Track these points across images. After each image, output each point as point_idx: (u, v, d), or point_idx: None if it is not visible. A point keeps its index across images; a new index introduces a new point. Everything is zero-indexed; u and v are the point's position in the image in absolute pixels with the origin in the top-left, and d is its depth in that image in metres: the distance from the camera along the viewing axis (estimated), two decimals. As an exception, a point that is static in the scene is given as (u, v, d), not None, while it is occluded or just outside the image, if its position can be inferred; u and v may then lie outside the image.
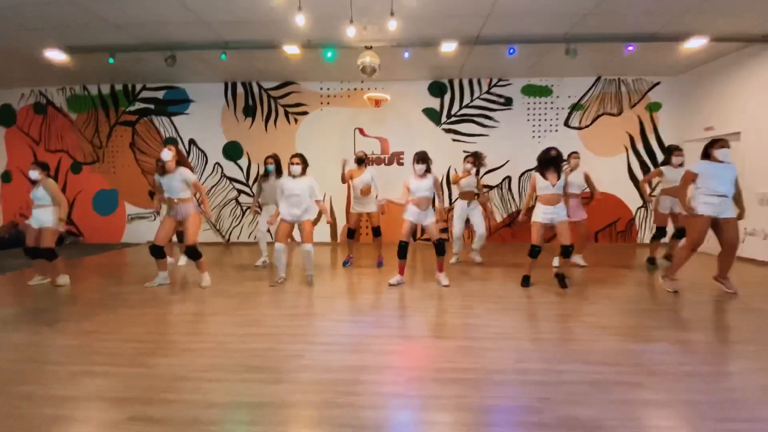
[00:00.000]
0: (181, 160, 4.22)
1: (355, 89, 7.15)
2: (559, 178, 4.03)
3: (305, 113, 7.22)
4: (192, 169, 4.34)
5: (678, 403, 1.96)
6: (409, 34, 5.08)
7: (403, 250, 4.20)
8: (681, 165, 5.00)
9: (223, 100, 7.30)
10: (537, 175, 4.15)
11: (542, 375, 2.24)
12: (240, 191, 7.39)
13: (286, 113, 7.25)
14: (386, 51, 5.45)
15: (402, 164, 7.09)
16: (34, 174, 4.26)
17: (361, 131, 7.19)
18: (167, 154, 4.04)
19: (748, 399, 1.99)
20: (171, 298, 3.94)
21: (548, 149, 4.11)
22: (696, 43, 5.19)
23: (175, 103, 7.35)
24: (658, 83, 6.93)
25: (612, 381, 2.16)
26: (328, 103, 7.20)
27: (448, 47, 5.30)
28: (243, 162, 7.32)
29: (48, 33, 5.00)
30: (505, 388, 2.11)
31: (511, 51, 5.29)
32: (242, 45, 5.36)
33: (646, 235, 7.09)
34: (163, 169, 4.09)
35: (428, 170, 4.20)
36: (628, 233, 7.16)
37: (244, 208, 7.41)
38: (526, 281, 4.22)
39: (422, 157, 4.17)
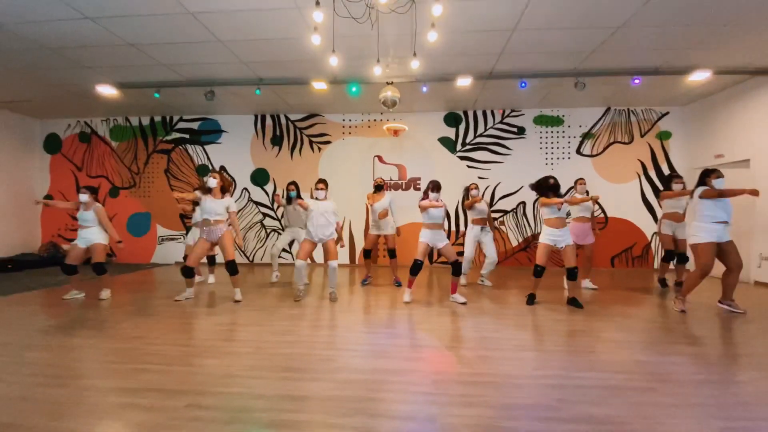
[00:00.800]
0: (225, 186, 4.61)
1: (375, 120, 7.61)
2: (563, 203, 4.24)
3: (328, 142, 7.69)
4: (231, 194, 4.78)
5: (689, 405, 2.10)
6: (427, 70, 5.52)
7: (416, 268, 4.42)
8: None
9: (252, 131, 7.84)
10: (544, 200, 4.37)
11: (559, 380, 2.40)
12: (265, 215, 7.79)
13: (311, 142, 7.72)
14: (406, 86, 5.92)
15: (418, 189, 7.41)
16: (84, 197, 4.67)
17: (380, 159, 7.59)
18: (213, 182, 4.44)
19: (755, 402, 2.12)
20: (206, 310, 4.22)
21: (546, 177, 4.39)
22: (700, 77, 5.48)
23: (209, 133, 7.92)
24: (667, 113, 7.19)
25: (626, 386, 2.31)
26: (350, 133, 7.67)
27: (464, 82, 5.71)
28: (269, 187, 7.75)
29: (102, 71, 5.61)
30: (524, 390, 2.28)
31: (523, 85, 5.66)
32: (275, 81, 5.89)
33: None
34: (207, 191, 4.48)
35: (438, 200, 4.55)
36: (644, 258, 7.23)
37: (268, 231, 7.77)
38: (531, 299, 4.40)
39: (438, 186, 4.51)
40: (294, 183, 5.48)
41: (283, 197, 5.64)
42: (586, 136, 7.32)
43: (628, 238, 7.25)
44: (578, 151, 7.34)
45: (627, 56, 5.13)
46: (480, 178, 7.34)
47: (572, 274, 4.24)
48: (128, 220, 8.01)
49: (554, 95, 6.69)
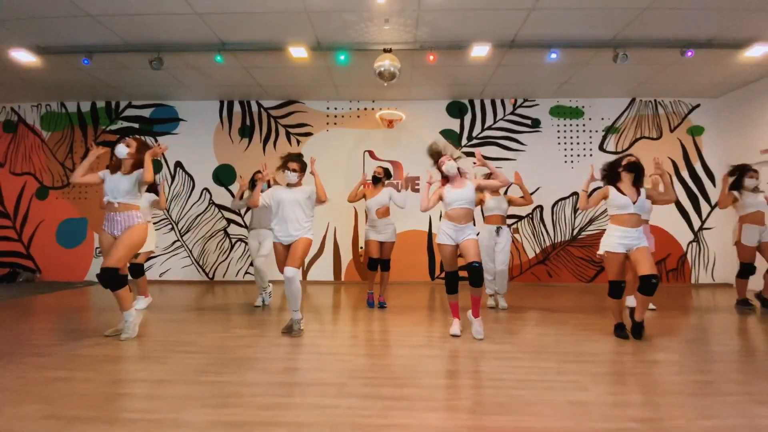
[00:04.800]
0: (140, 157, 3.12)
1: (366, 109, 6.44)
2: (639, 194, 3.05)
3: (309, 134, 6.44)
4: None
5: None
6: (436, 32, 4.41)
7: (452, 283, 3.16)
8: (756, 189, 4.19)
9: (217, 119, 6.52)
10: (611, 190, 3.11)
11: None
12: (230, 221, 6.39)
13: (288, 134, 6.45)
14: (407, 57, 4.78)
15: (417, 191, 6.21)
16: None
17: (371, 154, 6.38)
18: (122, 150, 3.11)
19: None
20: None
21: (625, 155, 3.18)
22: (759, 51, 4.57)
23: (163, 122, 6.55)
24: (698, 106, 6.31)
25: None
26: (335, 124, 6.45)
27: (480, 51, 4.62)
28: (234, 188, 6.38)
29: (11, 27, 4.23)
30: None
31: (553, 55, 4.60)
32: (242, 46, 4.64)
33: (700, 274, 6.12)
34: (116, 165, 3.18)
35: (461, 174, 3.26)
36: (680, 272, 6.18)
37: (233, 241, 6.37)
38: (620, 330, 3.13)
39: (436, 153, 3.29)
40: (298, 161, 3.67)
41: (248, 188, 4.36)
42: (609, 130, 6.34)
43: (661, 248, 6.18)
44: (601, 148, 6.33)
45: (676, 23, 4.17)
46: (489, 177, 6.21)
47: (649, 287, 2.92)
48: (58, 227, 6.44)
49: (573, 83, 5.72)
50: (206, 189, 6.42)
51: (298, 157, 3.39)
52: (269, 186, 3.80)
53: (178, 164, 6.47)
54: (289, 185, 3.36)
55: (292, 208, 3.24)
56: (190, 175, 6.46)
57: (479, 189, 3.13)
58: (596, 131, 6.34)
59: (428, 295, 5.36)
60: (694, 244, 6.18)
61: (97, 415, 1.72)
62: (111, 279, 2.93)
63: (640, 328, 3.05)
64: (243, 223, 6.29)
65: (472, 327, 3.11)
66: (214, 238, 6.38)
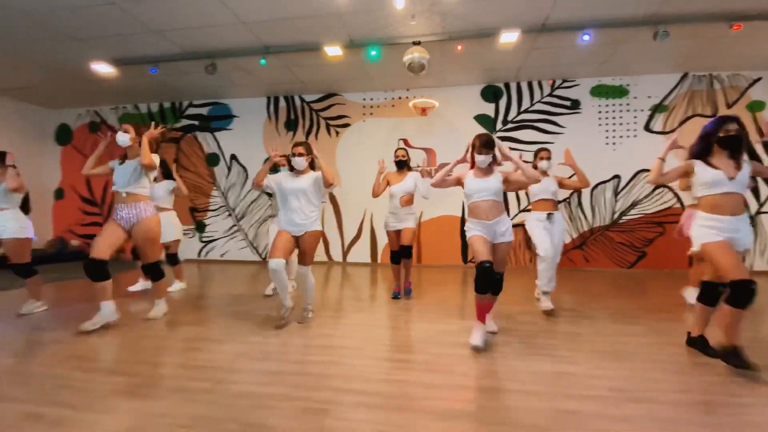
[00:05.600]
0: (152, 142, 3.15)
1: (400, 98, 6.66)
2: (740, 167, 2.25)
3: (347, 125, 6.81)
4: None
5: None
6: (462, 23, 4.51)
7: (485, 277, 2.45)
8: None
9: (265, 115, 7.10)
10: (698, 164, 2.34)
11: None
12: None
13: (328, 126, 6.88)
14: (436, 47, 4.92)
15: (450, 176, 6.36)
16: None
17: (406, 142, 6.62)
18: (123, 138, 3.09)
19: None
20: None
21: (721, 120, 2.30)
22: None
23: (219, 119, 7.25)
24: (759, 79, 5.78)
25: None
26: (371, 114, 6.75)
27: (509, 37, 4.65)
28: (282, 177, 6.96)
29: (92, 44, 4.97)
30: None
31: (585, 37, 4.52)
32: (283, 48, 5.06)
33: (756, 260, 5.74)
34: (123, 156, 3.20)
35: (495, 161, 2.68)
36: (733, 258, 5.82)
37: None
38: (701, 344, 2.44)
39: (488, 143, 2.61)
40: (303, 144, 3.24)
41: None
42: (657, 108, 6.02)
43: (713, 232, 5.87)
44: (647, 128, 6.05)
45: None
46: (525, 161, 6.19)
47: (745, 293, 2.07)
48: (137, 214, 7.48)
49: (616, 60, 5.48)
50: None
51: (303, 143, 3.20)
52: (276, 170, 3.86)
53: (233, 157, 7.17)
54: (296, 172, 3.15)
55: (296, 197, 3.05)
56: (243, 167, 7.14)
57: (506, 181, 2.63)
58: (642, 110, 6.05)
59: (460, 277, 5.58)
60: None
61: (174, 361, 2.26)
62: (95, 270, 2.85)
63: (740, 354, 2.11)
64: (289, 210, 6.89)
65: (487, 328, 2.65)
66: (265, 223, 7.05)
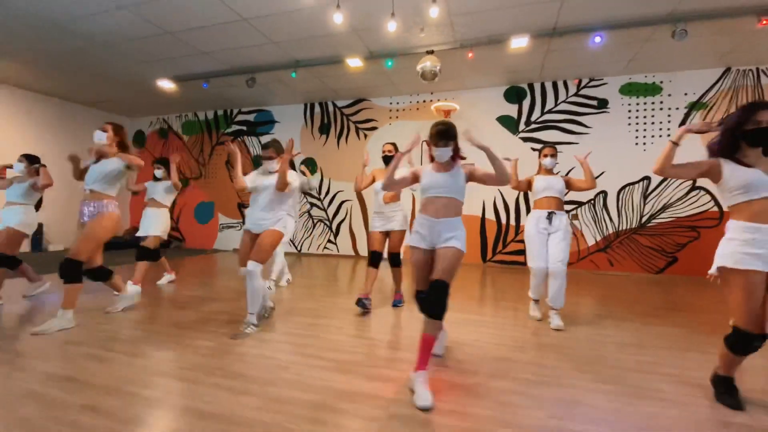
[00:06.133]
0: (122, 141, 3.06)
1: (424, 101, 6.94)
2: None
3: (374, 128, 7.24)
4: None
5: None
6: (472, 31, 4.71)
7: (422, 306, 2.00)
8: None
9: (302, 120, 7.76)
10: (727, 164, 1.83)
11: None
12: (312, 204, 7.66)
13: (357, 129, 7.36)
14: (447, 55, 5.17)
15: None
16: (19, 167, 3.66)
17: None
18: (100, 136, 2.94)
19: None
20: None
21: (750, 108, 1.77)
22: None
23: (263, 124, 8.06)
24: (820, 70, 5.24)
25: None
26: (397, 117, 7.12)
27: (519, 43, 4.76)
28: (317, 177, 7.59)
29: (155, 65, 5.92)
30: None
31: (597, 39, 4.50)
32: (310, 62, 5.61)
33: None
34: (98, 153, 3.01)
35: (457, 155, 2.24)
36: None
37: (315, 221, 7.63)
38: (729, 395, 1.84)
39: (445, 133, 2.18)
40: (272, 146, 3.07)
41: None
42: (694, 106, 5.70)
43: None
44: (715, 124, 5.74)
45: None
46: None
47: (744, 346, 1.74)
48: (195, 208, 8.57)
49: (647, 55, 5.29)
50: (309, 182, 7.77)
51: (274, 142, 3.04)
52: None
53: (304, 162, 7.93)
54: (270, 172, 2.98)
55: (266, 195, 2.92)
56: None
57: (471, 178, 2.24)
58: (677, 108, 5.76)
59: (480, 277, 5.78)
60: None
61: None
62: (68, 270, 2.76)
63: (734, 392, 1.84)
64: (322, 207, 7.50)
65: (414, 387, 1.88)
66: (301, 219, 7.74)
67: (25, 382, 1.94)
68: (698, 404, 1.85)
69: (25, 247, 6.97)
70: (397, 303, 3.70)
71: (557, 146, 5.94)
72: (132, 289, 3.61)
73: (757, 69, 5.46)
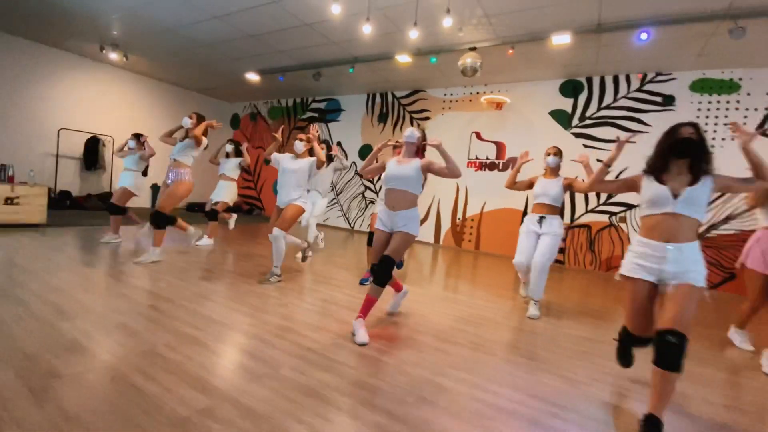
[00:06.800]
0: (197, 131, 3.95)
1: (477, 93, 7.09)
2: (695, 182, 1.82)
3: (427, 118, 7.62)
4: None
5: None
6: (512, 29, 4.84)
7: (379, 273, 2.52)
8: None
9: (364, 109, 8.46)
10: (646, 179, 1.97)
11: None
12: (366, 187, 8.39)
13: (411, 119, 7.82)
14: (494, 50, 5.33)
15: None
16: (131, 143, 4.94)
17: (478, 135, 7.07)
18: (186, 122, 3.98)
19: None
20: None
21: (675, 125, 1.93)
22: None
23: (332, 111, 8.95)
24: None
25: None
26: (449, 108, 7.39)
27: (561, 40, 4.76)
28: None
29: (244, 61, 7.08)
30: None
31: (643, 35, 4.32)
32: (366, 59, 6.22)
33: None
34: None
35: (420, 151, 2.72)
36: None
37: (368, 202, 8.37)
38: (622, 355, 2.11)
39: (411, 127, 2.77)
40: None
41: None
42: (779, 106, 5.02)
43: None
44: (760, 129, 5.12)
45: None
46: (598, 160, 5.99)
47: (666, 352, 1.62)
48: (274, 182, 9.91)
49: (719, 48, 4.81)
50: (353, 162, 8.57)
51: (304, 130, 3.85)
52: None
53: (339, 143, 8.81)
54: (297, 155, 3.71)
55: (288, 176, 3.62)
56: (345, 152, 8.72)
57: (427, 170, 2.61)
58: (755, 109, 5.13)
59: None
60: None
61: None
62: (156, 219, 3.79)
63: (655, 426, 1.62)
64: (374, 189, 8.19)
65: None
66: (356, 198, 8.54)
67: (125, 295, 2.98)
68: (601, 387, 2.12)
69: (146, 202, 8.92)
70: (364, 281, 3.90)
71: (611, 144, 5.81)
72: (206, 241, 5.09)
73: None
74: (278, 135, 3.92)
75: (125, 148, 5.02)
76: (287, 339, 2.33)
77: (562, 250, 6.26)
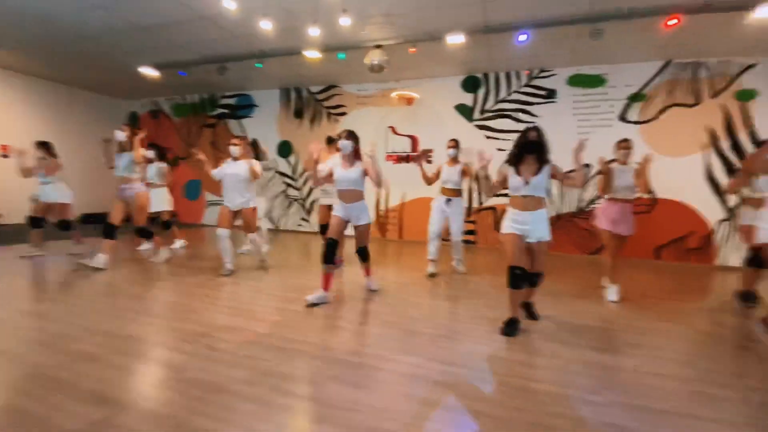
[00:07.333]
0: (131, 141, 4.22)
1: (390, 89, 7.36)
2: (538, 172, 2.65)
3: (344, 114, 7.72)
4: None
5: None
6: (411, 31, 5.13)
7: (327, 251, 3.20)
8: None
9: (278, 105, 8.27)
10: (508, 169, 2.78)
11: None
12: (288, 185, 8.26)
13: (328, 114, 7.85)
14: (394, 49, 5.57)
15: (430, 162, 7.02)
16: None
17: (393, 129, 7.36)
18: (120, 135, 4.22)
19: None
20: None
21: (527, 129, 2.75)
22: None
23: (244, 107, 8.60)
24: (752, 65, 5.49)
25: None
26: (364, 104, 7.57)
27: (455, 39, 5.16)
28: (291, 159, 8.15)
29: (137, 54, 6.48)
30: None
31: (522, 37, 4.87)
32: (272, 53, 6.10)
33: (731, 256, 5.65)
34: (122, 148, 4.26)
35: (357, 156, 3.39)
36: (704, 252, 5.80)
37: (290, 200, 8.26)
38: (510, 328, 2.64)
39: (349, 133, 3.43)
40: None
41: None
42: (633, 98, 6.02)
43: (683, 225, 5.87)
44: (622, 117, 6.10)
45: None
46: (499, 149, 6.62)
47: (530, 280, 2.76)
48: (184, 186, 9.27)
49: (586, 47, 5.57)
50: (273, 159, 8.36)
51: (240, 136, 4.18)
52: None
53: (254, 141, 8.48)
54: (234, 158, 4.07)
55: (232, 180, 3.99)
56: (262, 150, 8.44)
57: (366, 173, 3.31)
58: (618, 100, 6.10)
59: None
60: (726, 223, 5.68)
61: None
62: (108, 231, 4.09)
63: (516, 322, 2.69)
64: (296, 186, 8.10)
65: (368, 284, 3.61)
66: (278, 197, 8.36)
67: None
68: (489, 343, 2.44)
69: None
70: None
71: (509, 134, 6.47)
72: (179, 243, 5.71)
73: (696, 62, 5.73)
74: (199, 155, 4.28)
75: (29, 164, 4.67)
76: (200, 343, 2.29)
77: (472, 232, 6.84)
